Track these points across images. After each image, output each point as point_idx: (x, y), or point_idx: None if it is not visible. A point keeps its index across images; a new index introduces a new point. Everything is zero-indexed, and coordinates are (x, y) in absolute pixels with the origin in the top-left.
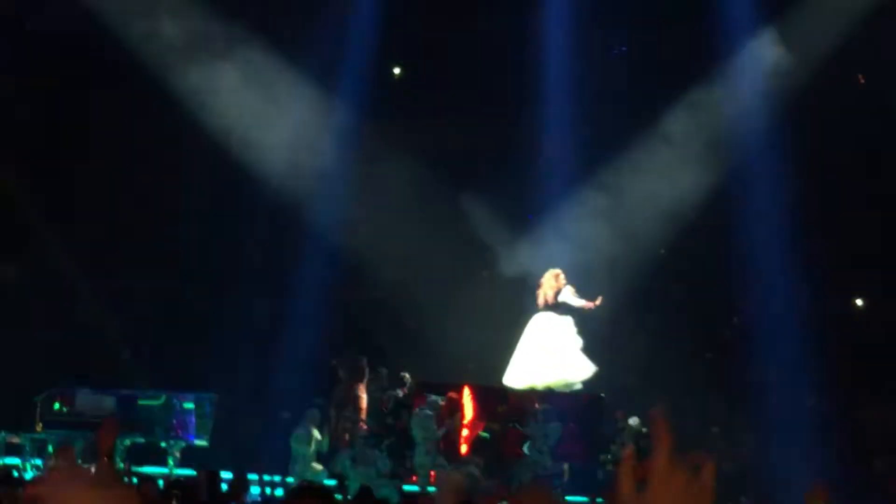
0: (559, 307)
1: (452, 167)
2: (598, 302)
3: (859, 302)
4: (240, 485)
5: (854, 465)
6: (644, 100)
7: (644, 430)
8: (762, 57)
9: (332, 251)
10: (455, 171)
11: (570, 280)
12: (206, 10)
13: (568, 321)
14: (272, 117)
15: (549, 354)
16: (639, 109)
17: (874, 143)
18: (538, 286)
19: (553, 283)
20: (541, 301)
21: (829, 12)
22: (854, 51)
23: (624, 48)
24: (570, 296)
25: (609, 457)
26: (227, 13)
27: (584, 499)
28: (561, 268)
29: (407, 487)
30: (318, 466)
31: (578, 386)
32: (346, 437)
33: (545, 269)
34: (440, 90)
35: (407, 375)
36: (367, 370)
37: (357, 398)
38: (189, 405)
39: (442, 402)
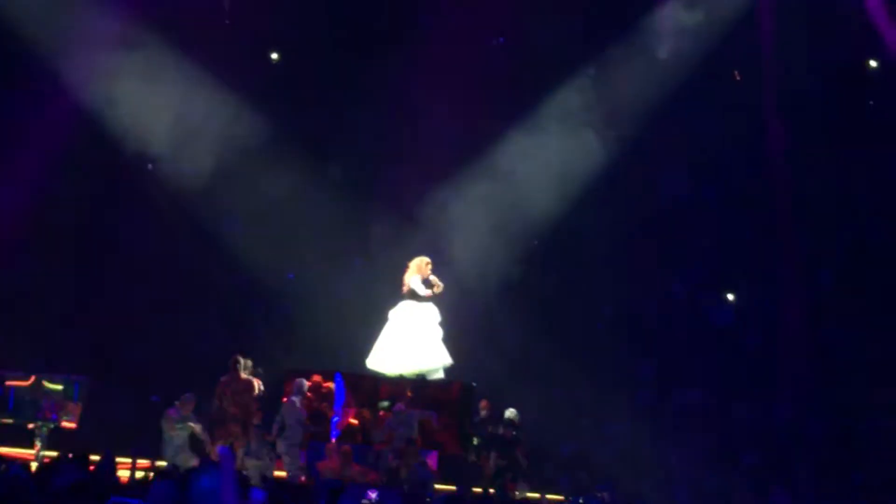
0: (418, 295)
1: (330, 153)
2: (436, 290)
3: (730, 297)
4: (108, 467)
5: (722, 458)
6: (520, 91)
7: (516, 421)
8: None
9: (205, 235)
10: (332, 157)
11: (444, 269)
12: None
13: (431, 309)
14: (148, 99)
15: (408, 342)
16: (515, 99)
17: (747, 138)
18: (405, 270)
19: (416, 271)
20: (405, 288)
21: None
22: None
23: (501, 39)
24: (418, 283)
25: (474, 447)
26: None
27: (454, 488)
28: (435, 257)
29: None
30: (189, 452)
31: (439, 374)
32: (220, 427)
33: (416, 257)
34: (318, 74)
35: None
36: (239, 364)
37: (235, 392)
38: (58, 387)
39: (308, 383)
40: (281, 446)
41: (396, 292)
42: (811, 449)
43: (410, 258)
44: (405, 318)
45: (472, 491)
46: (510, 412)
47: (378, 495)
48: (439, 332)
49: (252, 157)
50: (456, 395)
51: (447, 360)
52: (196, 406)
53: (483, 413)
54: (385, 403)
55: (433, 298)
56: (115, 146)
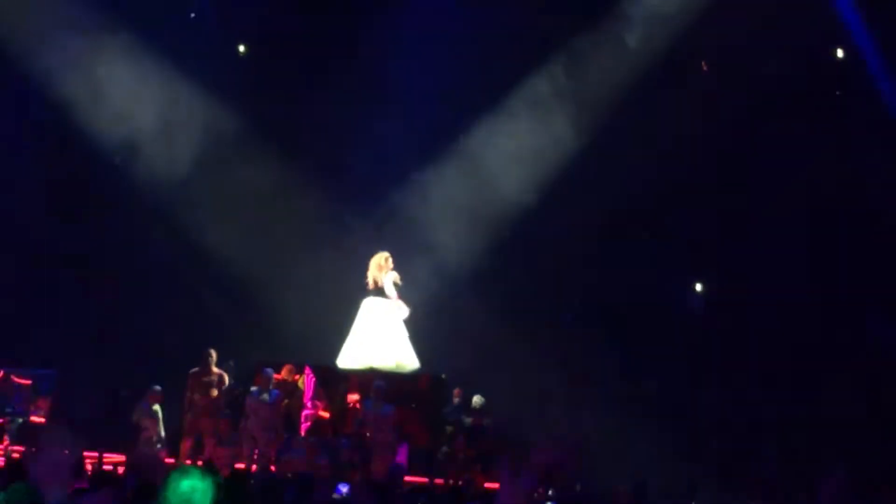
0: (384, 291)
1: (299, 144)
2: (403, 310)
3: (699, 287)
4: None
5: (690, 447)
6: (488, 82)
7: (482, 408)
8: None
9: (173, 227)
10: (301, 149)
11: (413, 259)
12: None
13: (398, 305)
14: (112, 93)
15: (377, 340)
16: (484, 90)
17: (716, 129)
18: (367, 268)
19: (380, 266)
20: (369, 284)
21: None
22: (697, 41)
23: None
24: (390, 284)
25: (447, 437)
26: None
27: (425, 480)
28: (404, 247)
29: None
30: (158, 445)
31: (408, 369)
32: (190, 420)
33: (384, 249)
34: (285, 66)
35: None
36: (210, 357)
37: (206, 385)
38: (27, 382)
39: (276, 375)
40: (245, 437)
41: (362, 284)
42: (778, 436)
43: (380, 249)
44: (373, 314)
45: (441, 482)
46: (476, 399)
47: (349, 490)
48: (405, 332)
49: (222, 150)
50: (426, 386)
51: (415, 363)
52: (164, 399)
53: (456, 400)
54: (355, 396)
55: (401, 293)
56: (82, 140)
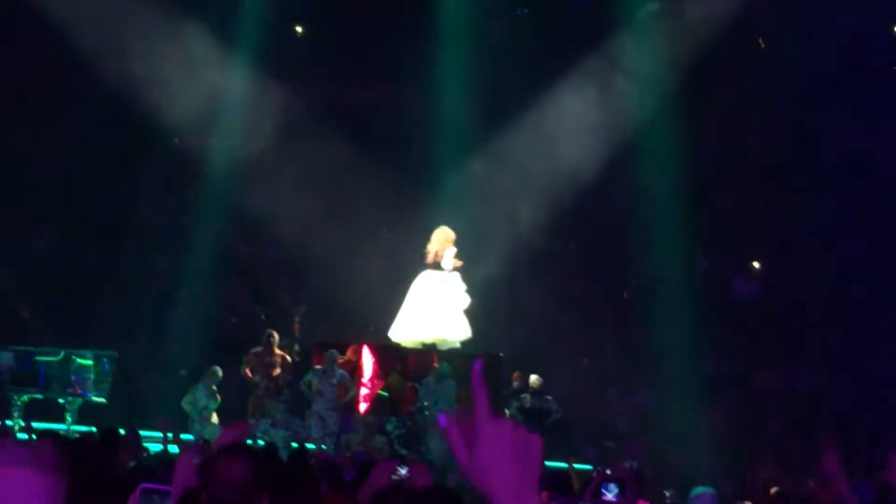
0: (442, 265)
1: (353, 124)
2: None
3: (756, 265)
4: (134, 441)
5: (748, 426)
6: (545, 61)
7: (539, 388)
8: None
9: (231, 208)
10: (355, 129)
11: (471, 239)
12: None
13: (455, 278)
14: (171, 73)
15: (430, 311)
16: (541, 69)
17: (772, 107)
18: (429, 242)
19: (442, 242)
20: (429, 259)
21: None
22: (755, 16)
23: (526, 10)
24: (450, 258)
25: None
26: None
27: None
28: (461, 226)
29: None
30: (216, 422)
31: (456, 345)
32: (253, 401)
33: (445, 224)
34: (340, 48)
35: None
36: (273, 339)
37: (268, 365)
38: (87, 362)
39: (340, 357)
40: (312, 418)
41: (420, 263)
42: (837, 417)
43: (437, 226)
44: (427, 287)
45: None
46: (534, 379)
47: (408, 471)
48: (464, 302)
49: (280, 129)
50: (484, 365)
51: (464, 335)
52: (223, 380)
53: (515, 384)
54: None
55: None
56: (143, 120)
